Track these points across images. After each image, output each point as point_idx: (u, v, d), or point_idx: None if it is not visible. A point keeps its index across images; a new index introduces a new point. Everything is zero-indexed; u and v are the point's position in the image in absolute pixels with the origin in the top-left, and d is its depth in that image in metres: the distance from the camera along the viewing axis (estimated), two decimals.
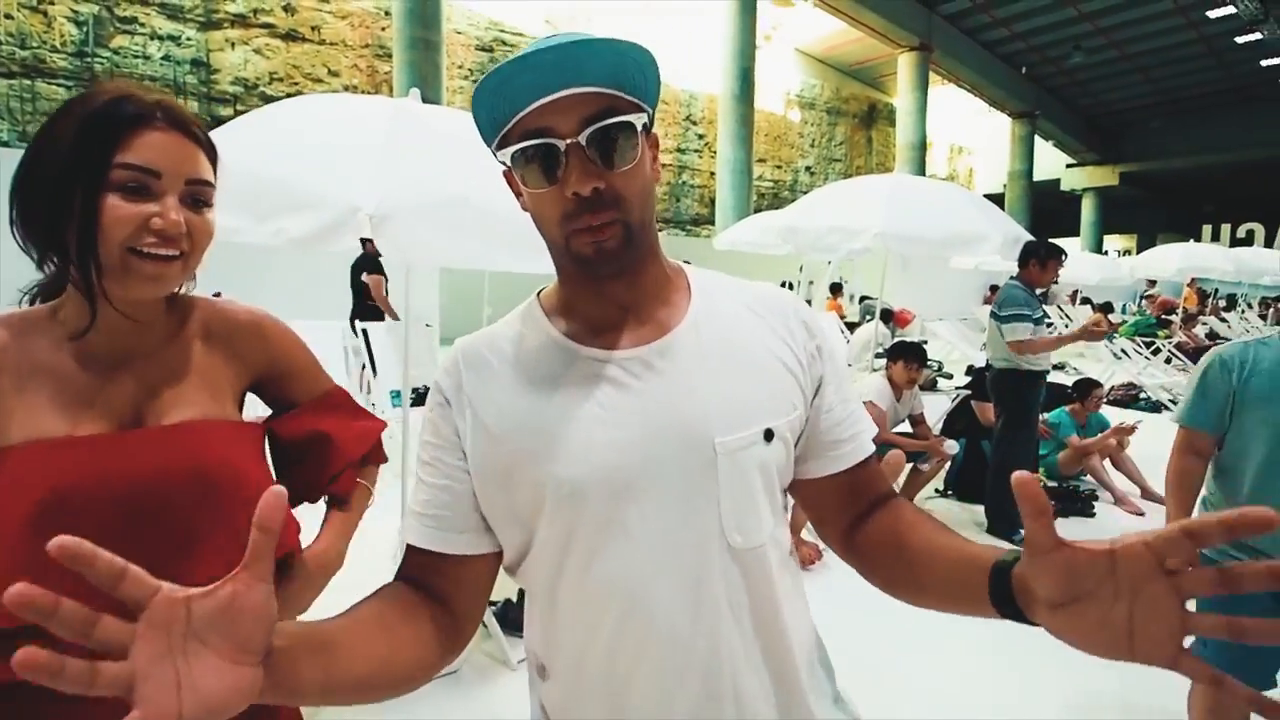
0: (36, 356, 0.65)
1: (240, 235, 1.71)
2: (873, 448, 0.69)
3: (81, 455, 0.62)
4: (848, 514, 0.69)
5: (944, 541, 0.60)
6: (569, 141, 0.56)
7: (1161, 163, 21.48)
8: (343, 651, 0.50)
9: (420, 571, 0.63)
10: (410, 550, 0.64)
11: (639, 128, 0.58)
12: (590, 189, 0.56)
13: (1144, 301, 12.00)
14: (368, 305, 4.86)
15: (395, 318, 4.66)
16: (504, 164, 0.61)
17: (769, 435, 0.61)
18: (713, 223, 12.72)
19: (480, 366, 0.65)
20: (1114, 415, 4.50)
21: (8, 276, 0.80)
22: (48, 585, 0.42)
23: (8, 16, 7.28)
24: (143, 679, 0.37)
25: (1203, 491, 1.56)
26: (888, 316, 7.23)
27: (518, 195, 0.63)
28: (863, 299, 9.33)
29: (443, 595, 0.63)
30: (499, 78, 0.55)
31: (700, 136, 14.63)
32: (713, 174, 13.17)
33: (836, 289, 9.37)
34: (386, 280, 4.89)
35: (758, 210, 11.06)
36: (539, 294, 0.70)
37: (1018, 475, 0.42)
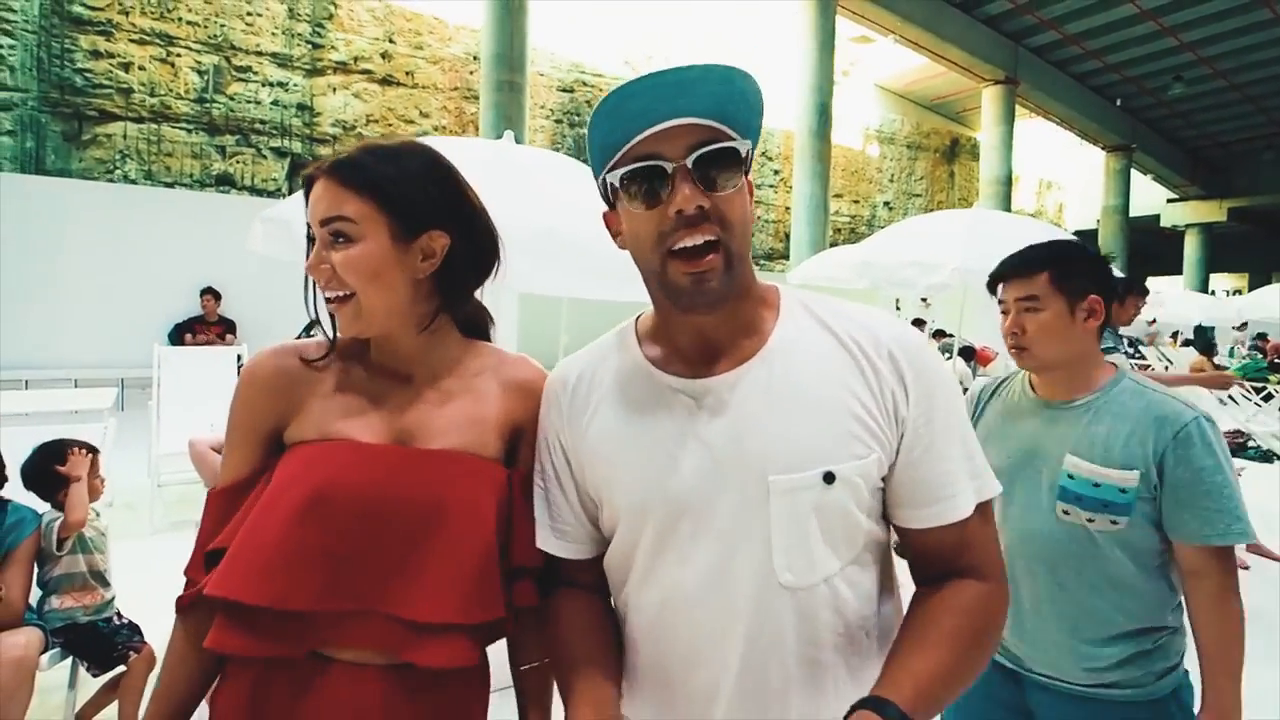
0: (337, 375, 0.74)
1: None
2: (958, 515, 0.63)
3: (347, 460, 0.68)
4: (919, 571, 0.67)
5: (898, 644, 0.61)
6: (676, 164, 0.59)
7: (1273, 197, 19.87)
8: (615, 691, 0.64)
9: (568, 572, 0.73)
10: (552, 562, 0.72)
11: (742, 154, 0.61)
12: (694, 207, 0.59)
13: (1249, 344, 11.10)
14: None
15: None
16: (612, 185, 0.63)
17: (829, 478, 0.60)
18: (787, 257, 12.47)
19: (575, 387, 0.71)
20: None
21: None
22: (302, 570, 0.62)
23: (140, 68, 7.93)
24: None
25: None
26: (969, 354, 6.84)
27: (615, 235, 0.67)
28: (937, 333, 8.85)
29: (590, 586, 0.72)
30: (612, 104, 0.59)
31: (776, 172, 14.50)
32: (788, 209, 12.97)
33: (918, 324, 8.89)
34: None
35: (833, 245, 10.74)
36: (637, 318, 0.74)
37: None
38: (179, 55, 8.10)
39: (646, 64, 12.31)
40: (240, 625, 0.63)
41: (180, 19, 8.06)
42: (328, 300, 0.71)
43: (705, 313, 0.63)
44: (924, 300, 8.42)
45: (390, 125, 9.43)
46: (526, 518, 0.75)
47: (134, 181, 7.83)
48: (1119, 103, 17.22)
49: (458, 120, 9.94)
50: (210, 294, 6.98)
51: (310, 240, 0.71)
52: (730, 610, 0.61)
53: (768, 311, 0.68)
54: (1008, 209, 14.12)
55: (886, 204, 16.09)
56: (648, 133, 0.59)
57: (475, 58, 9.30)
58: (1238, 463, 5.23)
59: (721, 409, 0.63)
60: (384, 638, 0.65)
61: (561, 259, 2.09)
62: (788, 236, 12.44)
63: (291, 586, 0.63)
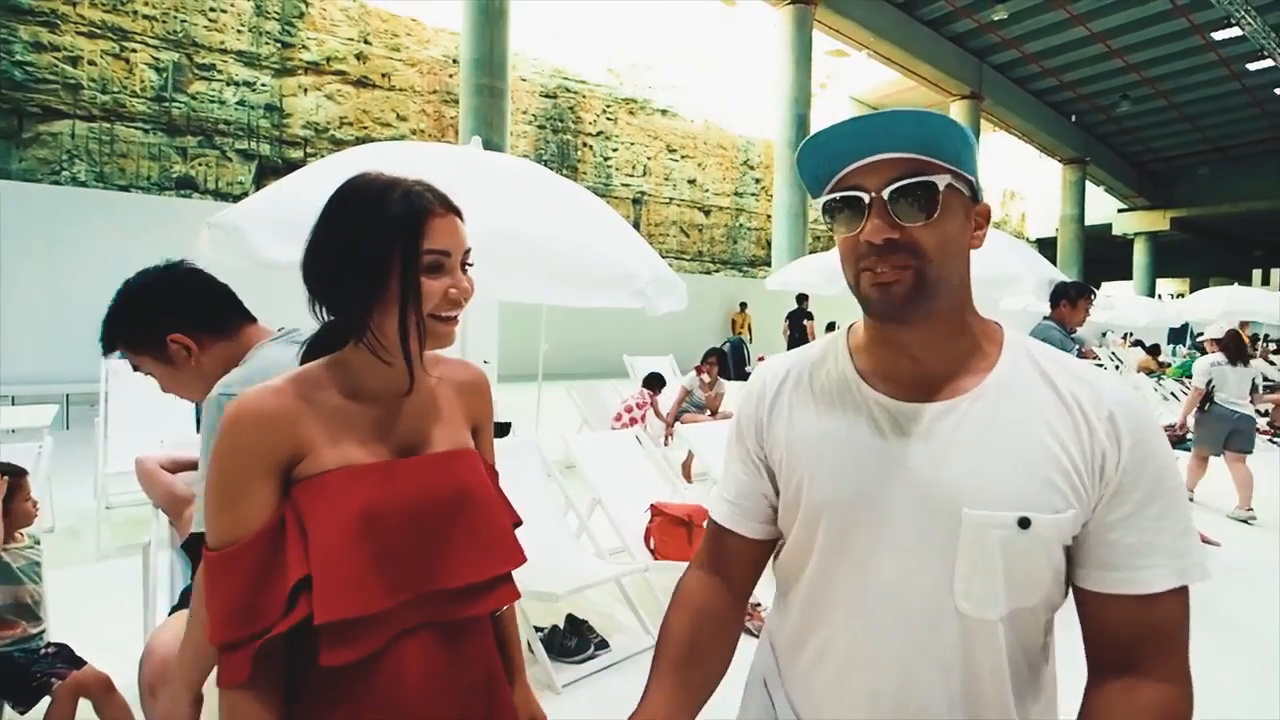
0: (334, 403, 0.78)
1: None
2: (1148, 588, 0.60)
3: (379, 477, 0.76)
4: (1094, 654, 0.64)
5: None
6: (872, 195, 0.62)
7: (1210, 208, 21.30)
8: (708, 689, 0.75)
9: (718, 547, 0.81)
10: (715, 528, 0.81)
11: (941, 186, 0.62)
12: (882, 239, 0.62)
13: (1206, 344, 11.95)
14: None
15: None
16: (825, 217, 0.67)
17: (1024, 523, 0.60)
18: (769, 264, 12.55)
19: (781, 384, 0.76)
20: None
21: None
22: (373, 577, 0.73)
23: (91, 63, 7.37)
24: None
25: None
26: None
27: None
28: (830, 325, 9.02)
29: (728, 574, 0.80)
30: (817, 142, 0.64)
31: (757, 180, 14.64)
32: (769, 217, 13.07)
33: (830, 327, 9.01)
34: None
35: (813, 251, 10.84)
36: (850, 327, 0.76)
37: None
38: (134, 51, 7.56)
39: (629, 72, 12.23)
40: (342, 639, 0.71)
41: (135, 13, 7.55)
42: (443, 318, 0.78)
43: (895, 322, 0.64)
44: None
45: (365, 128, 9.04)
46: (495, 485, 0.90)
47: (84, 184, 7.24)
48: (1074, 118, 18.15)
49: (436, 124, 9.61)
50: None
51: (414, 265, 0.75)
52: (903, 621, 0.64)
53: (990, 348, 0.68)
54: None
55: None
56: (854, 166, 0.63)
57: (455, 61, 9.02)
58: (1176, 454, 5.95)
59: (926, 436, 0.64)
60: (439, 609, 0.78)
61: (530, 265, 2.06)
62: (769, 244, 12.48)
63: (368, 594, 0.72)
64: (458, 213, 0.80)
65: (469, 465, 0.84)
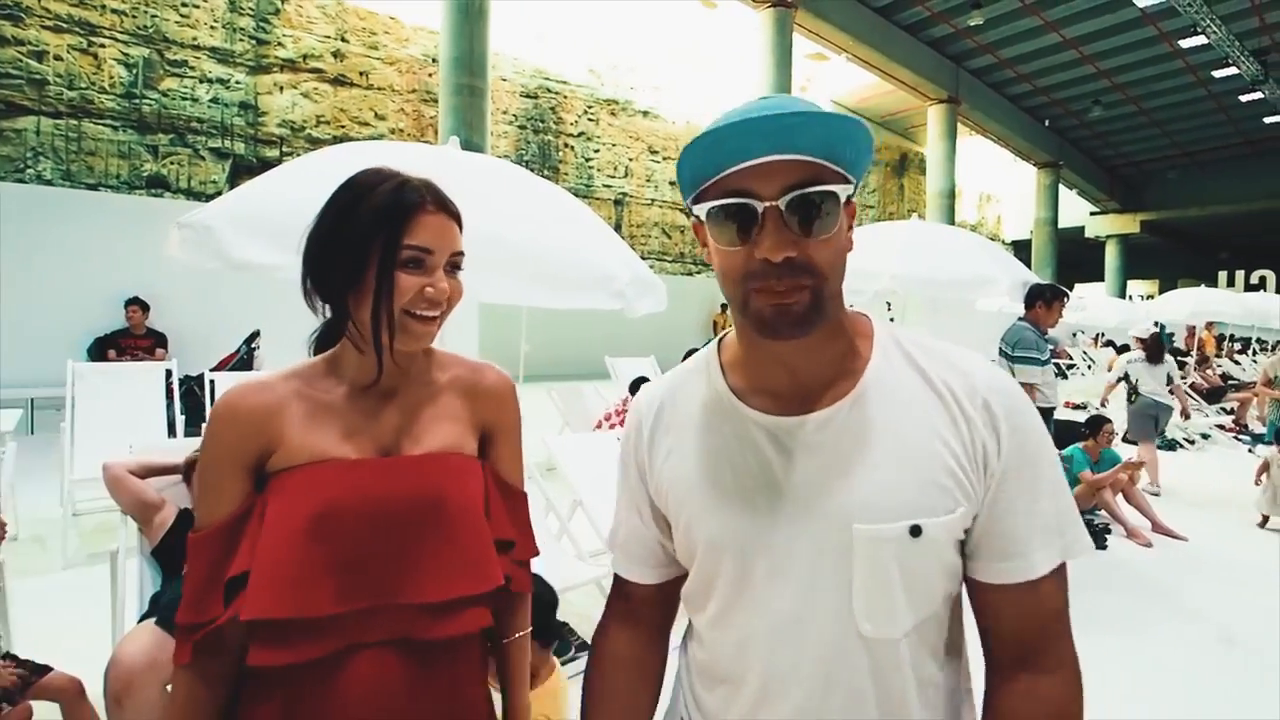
0: (321, 397, 0.78)
1: (282, 272, 1.78)
2: (1039, 571, 0.60)
3: (347, 475, 0.74)
4: (990, 646, 0.63)
5: None
6: (767, 205, 0.55)
7: (1179, 211, 21.86)
8: None
9: (622, 595, 0.77)
10: (618, 579, 0.77)
11: (843, 198, 0.57)
12: (782, 257, 0.55)
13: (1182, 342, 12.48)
14: None
15: None
16: (698, 218, 0.61)
17: (915, 531, 0.58)
18: None
19: (659, 413, 0.71)
20: (1130, 452, 4.81)
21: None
22: (319, 579, 0.69)
23: (57, 58, 7.18)
24: None
25: None
26: None
27: (702, 245, 0.63)
28: None
29: (639, 619, 0.76)
30: (711, 139, 0.55)
31: None
32: None
33: None
34: None
35: None
36: (720, 340, 0.71)
37: None
38: (103, 46, 7.37)
39: (611, 73, 12.22)
40: (276, 639, 0.69)
41: (104, 7, 7.36)
42: (417, 316, 0.75)
43: (789, 339, 0.59)
44: (888, 305, 8.64)
45: (343, 127, 8.91)
46: (499, 501, 0.84)
47: (50, 182, 7.04)
48: (1047, 123, 18.49)
49: (416, 124, 9.51)
50: (136, 305, 6.25)
51: (391, 257, 0.74)
52: (807, 655, 0.60)
53: (861, 343, 0.65)
54: (952, 220, 14.81)
55: None
56: (742, 165, 0.55)
57: (434, 60, 8.93)
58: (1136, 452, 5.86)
59: (808, 451, 0.61)
60: (401, 625, 0.72)
61: (507, 267, 2.05)
62: None
63: (312, 596, 0.69)
64: (453, 215, 0.78)
65: (453, 471, 0.79)
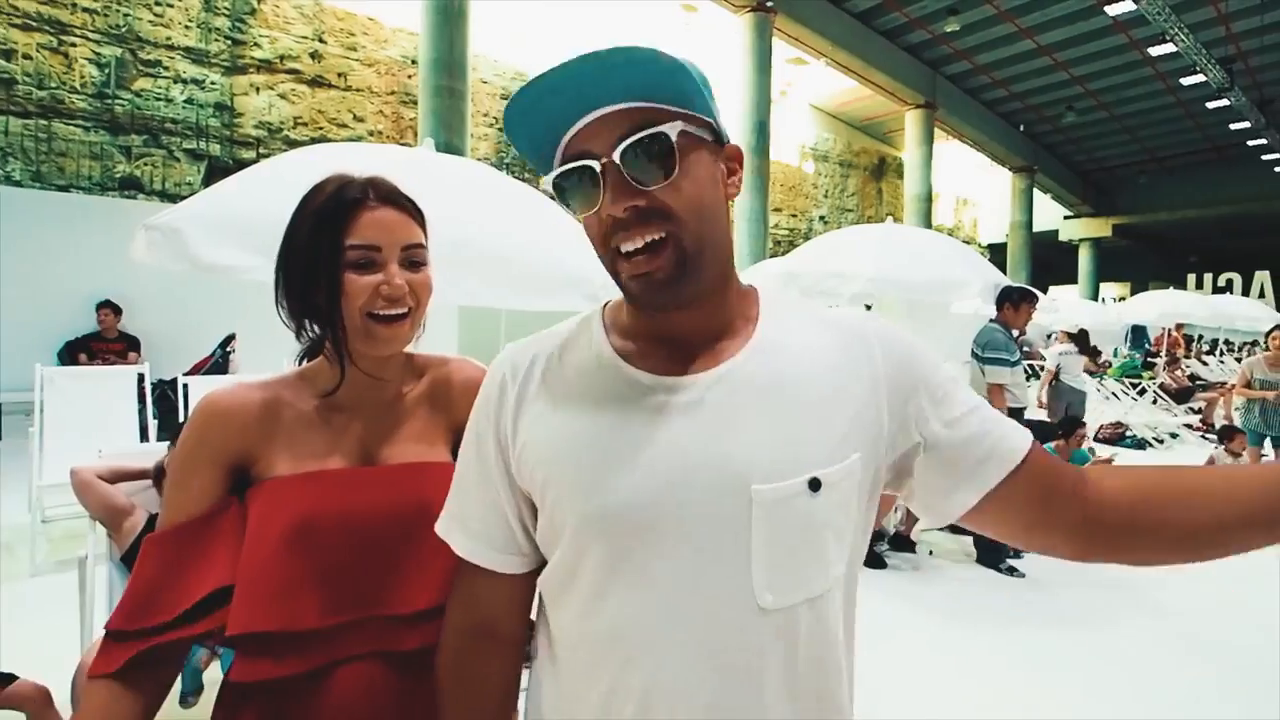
0: (302, 407, 0.76)
1: (253, 274, 1.79)
2: (1021, 451, 0.58)
3: (327, 487, 0.73)
4: (1052, 514, 0.58)
5: (1220, 474, 0.55)
6: (604, 161, 0.53)
7: (1149, 216, 22.42)
8: None
9: (469, 593, 0.63)
10: (462, 568, 0.64)
11: (673, 136, 0.53)
12: (624, 209, 0.53)
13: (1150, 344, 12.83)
14: None
15: None
16: (549, 194, 0.58)
17: (814, 485, 0.53)
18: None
19: (528, 375, 0.62)
20: (1103, 452, 5.07)
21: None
22: (301, 593, 0.67)
23: (26, 57, 7.02)
24: None
25: None
26: None
27: None
28: None
29: (491, 627, 0.63)
30: (523, 105, 0.53)
31: None
32: (731, 221, 13.19)
33: None
34: None
35: (773, 256, 11.02)
36: (605, 306, 0.66)
37: None
38: (74, 45, 7.23)
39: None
40: (259, 653, 0.67)
41: (74, 5, 7.21)
42: (379, 317, 0.72)
43: (665, 309, 0.56)
44: (867, 307, 8.78)
45: (321, 129, 8.81)
46: None
47: (18, 183, 6.88)
48: (1022, 128, 18.85)
49: (395, 125, 9.43)
50: (108, 308, 6.13)
51: (335, 259, 0.71)
52: (699, 642, 0.53)
53: (749, 307, 0.62)
54: (929, 224, 15.01)
55: (822, 218, 16.72)
56: (576, 128, 0.54)
57: (413, 61, 8.87)
58: (1115, 450, 6.44)
59: (698, 410, 0.55)
60: (385, 636, 0.71)
61: (481, 269, 2.03)
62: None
63: (296, 609, 0.67)
64: (404, 207, 0.75)
65: (434, 480, 0.74)
